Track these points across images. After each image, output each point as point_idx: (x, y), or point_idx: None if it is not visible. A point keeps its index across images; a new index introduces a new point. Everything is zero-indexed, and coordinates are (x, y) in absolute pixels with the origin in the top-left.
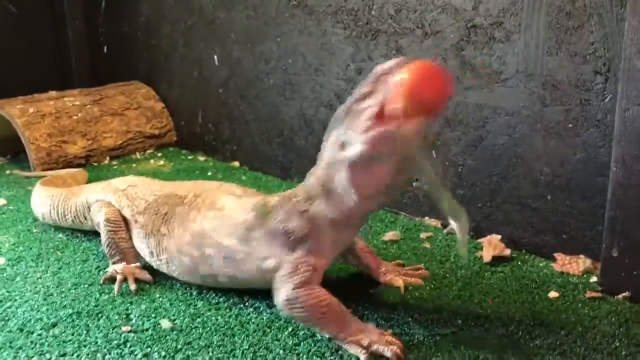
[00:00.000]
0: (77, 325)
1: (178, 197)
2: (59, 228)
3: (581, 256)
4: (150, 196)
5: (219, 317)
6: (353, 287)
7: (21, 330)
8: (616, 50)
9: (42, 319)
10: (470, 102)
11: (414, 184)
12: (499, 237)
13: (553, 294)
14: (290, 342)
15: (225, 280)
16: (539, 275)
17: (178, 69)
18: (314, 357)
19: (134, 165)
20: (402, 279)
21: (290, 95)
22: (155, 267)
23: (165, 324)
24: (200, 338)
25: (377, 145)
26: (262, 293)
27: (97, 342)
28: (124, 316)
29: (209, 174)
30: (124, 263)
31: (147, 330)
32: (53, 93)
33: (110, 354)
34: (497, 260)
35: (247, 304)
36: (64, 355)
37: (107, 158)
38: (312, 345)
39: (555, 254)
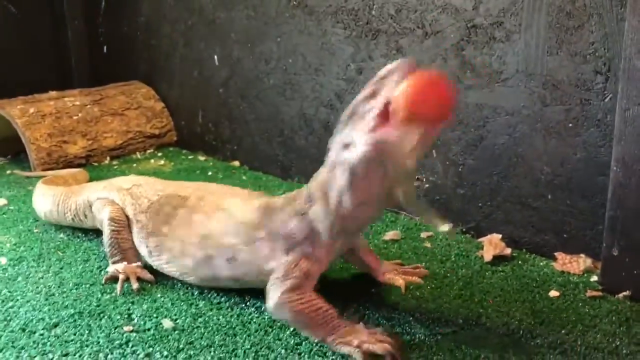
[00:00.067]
0: (79, 325)
1: (181, 198)
2: (60, 228)
3: (582, 255)
4: (154, 196)
5: (221, 317)
6: (354, 287)
7: (23, 330)
8: (616, 50)
9: (44, 319)
10: (471, 101)
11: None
12: (500, 236)
13: (554, 293)
14: (292, 341)
15: (228, 281)
16: (539, 274)
17: (178, 69)
18: (316, 356)
19: (135, 165)
20: (403, 278)
21: (291, 95)
22: (154, 267)
23: (167, 323)
24: (202, 338)
25: (379, 147)
26: (263, 293)
27: (99, 342)
28: (126, 316)
29: (209, 173)
30: (125, 263)
31: (149, 330)
32: (53, 93)
33: (112, 353)
34: (498, 259)
35: (248, 303)
36: (66, 355)
37: (108, 158)
38: (314, 344)
39: (555, 253)
